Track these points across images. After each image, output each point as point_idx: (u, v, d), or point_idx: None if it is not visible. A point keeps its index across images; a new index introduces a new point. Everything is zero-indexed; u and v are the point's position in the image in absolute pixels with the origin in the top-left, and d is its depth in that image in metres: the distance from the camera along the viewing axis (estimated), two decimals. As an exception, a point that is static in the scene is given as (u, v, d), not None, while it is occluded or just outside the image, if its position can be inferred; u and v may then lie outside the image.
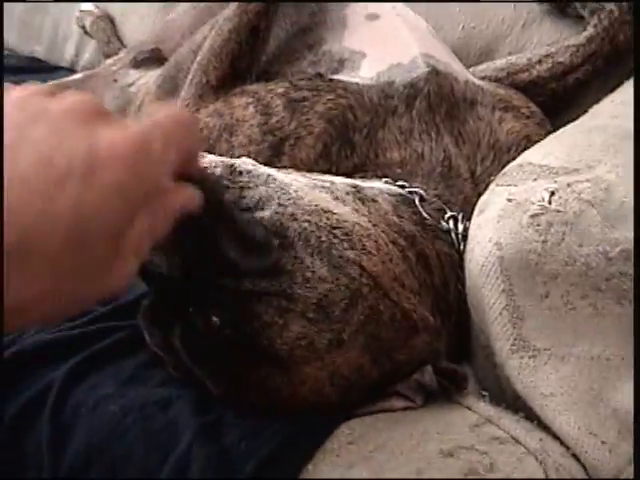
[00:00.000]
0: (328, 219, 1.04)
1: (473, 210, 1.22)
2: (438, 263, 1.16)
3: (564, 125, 1.28)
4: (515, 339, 1.05)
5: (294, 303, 0.99)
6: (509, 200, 1.06)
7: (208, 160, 1.05)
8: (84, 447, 1.09)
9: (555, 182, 1.04)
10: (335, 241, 1.03)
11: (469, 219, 1.21)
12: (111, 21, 2.43)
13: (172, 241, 0.94)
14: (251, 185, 1.04)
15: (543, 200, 1.03)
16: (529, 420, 1.05)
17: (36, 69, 2.54)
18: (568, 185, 1.03)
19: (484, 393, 1.09)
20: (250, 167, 1.07)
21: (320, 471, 0.98)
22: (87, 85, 2.00)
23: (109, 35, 2.38)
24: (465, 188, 1.29)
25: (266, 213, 1.01)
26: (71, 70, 2.52)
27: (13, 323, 0.65)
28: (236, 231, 0.97)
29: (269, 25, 1.46)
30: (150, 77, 1.88)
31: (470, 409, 1.07)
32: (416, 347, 1.07)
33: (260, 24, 1.45)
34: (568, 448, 1.02)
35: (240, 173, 1.05)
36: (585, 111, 1.31)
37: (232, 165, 1.06)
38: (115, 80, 1.98)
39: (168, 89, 1.70)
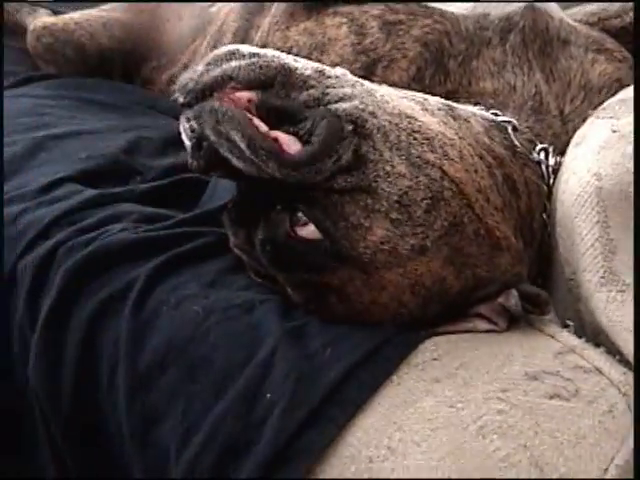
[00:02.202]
0: (410, 123, 1.06)
1: (562, 147, 1.22)
2: (525, 189, 1.16)
3: (652, 74, 1.27)
4: (605, 272, 1.05)
5: (378, 201, 1.00)
6: (613, 131, 1.05)
7: (298, 63, 1.07)
8: (164, 345, 1.11)
9: (663, 116, 1.03)
10: (414, 142, 1.04)
11: (559, 154, 1.21)
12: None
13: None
14: (336, 85, 1.06)
15: (650, 132, 1.02)
16: (610, 355, 1.04)
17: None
18: (677, 119, 1.02)
19: (569, 323, 1.08)
20: (340, 72, 1.09)
21: (404, 383, 0.99)
22: (165, 2, 1.99)
23: (184, -43, 2.38)
24: (554, 125, 1.29)
25: (346, 105, 1.03)
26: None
27: None
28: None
29: None
30: (232, -2, 1.88)
31: (553, 337, 1.06)
32: (499, 266, 1.08)
33: None
34: (649, 384, 1.02)
35: (329, 77, 1.07)
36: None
37: (322, 70, 1.08)
38: (194, 0, 1.98)
39: (253, 8, 1.70)
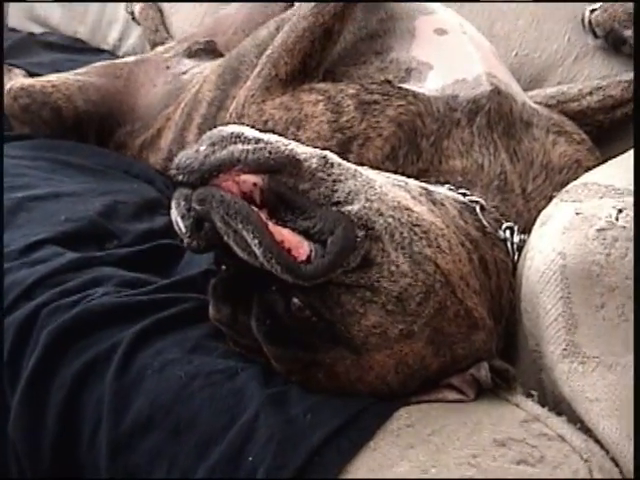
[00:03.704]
0: (409, 216, 1.11)
1: (525, 224, 1.30)
2: (495, 269, 1.23)
3: (608, 157, 1.36)
4: (567, 344, 1.12)
5: (378, 295, 1.06)
6: (577, 214, 1.12)
7: (302, 150, 1.11)
8: (147, 407, 1.15)
9: (622, 201, 1.11)
10: (415, 238, 1.10)
11: (522, 232, 1.28)
12: (159, 10, 2.49)
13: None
14: (342, 178, 1.11)
15: (610, 216, 1.10)
16: (572, 423, 1.11)
17: (79, 49, 2.60)
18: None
19: (533, 393, 1.15)
20: (339, 160, 1.14)
21: (381, 448, 1.04)
22: (139, 69, 2.05)
23: (157, 24, 2.44)
24: (517, 203, 1.36)
25: (355, 207, 1.08)
26: (112, 54, 2.58)
27: None
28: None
29: (342, 28, 1.52)
30: (205, 67, 1.94)
31: (518, 406, 1.13)
32: (475, 343, 1.14)
33: (334, 26, 1.50)
34: (608, 452, 1.08)
35: (332, 165, 1.11)
36: (628, 145, 1.37)
37: (325, 157, 1.12)
38: (167, 67, 2.04)
39: (228, 79, 1.76)
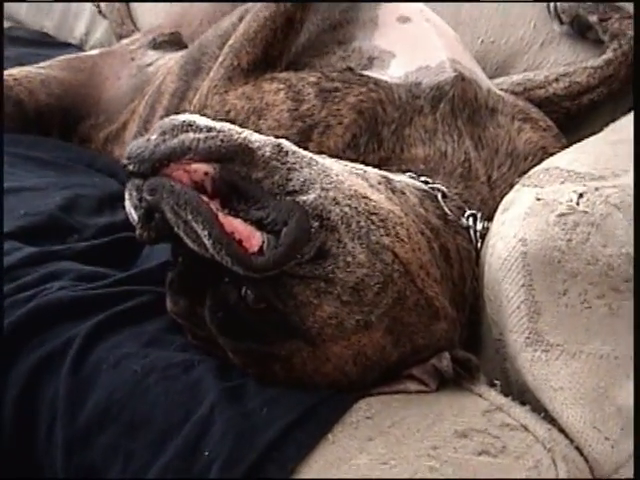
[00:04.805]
0: (366, 205, 1.09)
1: (489, 212, 1.28)
2: (457, 257, 1.21)
3: (575, 143, 1.34)
4: (530, 332, 1.10)
5: (333, 286, 1.04)
6: (537, 199, 1.11)
7: (255, 139, 1.08)
8: (104, 402, 1.12)
9: (584, 185, 1.09)
10: (372, 227, 1.07)
11: (486, 219, 1.27)
12: (126, 3, 2.47)
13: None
14: (297, 167, 1.08)
15: (571, 201, 1.08)
16: (536, 412, 1.09)
17: (46, 43, 2.57)
18: (596, 189, 1.08)
19: (496, 382, 1.13)
20: (294, 148, 1.11)
21: (339, 441, 1.02)
22: (104, 61, 2.03)
23: (123, 17, 2.42)
24: (482, 190, 1.34)
25: (310, 196, 1.05)
26: (79, 48, 2.56)
27: None
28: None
29: (304, 17, 1.50)
30: (169, 59, 1.92)
31: (481, 396, 1.11)
32: (436, 333, 1.12)
33: (296, 15, 1.48)
34: (572, 441, 1.07)
35: (287, 153, 1.09)
36: (594, 131, 1.36)
37: (279, 144, 1.09)
38: (132, 59, 2.02)
39: (190, 70, 1.74)
